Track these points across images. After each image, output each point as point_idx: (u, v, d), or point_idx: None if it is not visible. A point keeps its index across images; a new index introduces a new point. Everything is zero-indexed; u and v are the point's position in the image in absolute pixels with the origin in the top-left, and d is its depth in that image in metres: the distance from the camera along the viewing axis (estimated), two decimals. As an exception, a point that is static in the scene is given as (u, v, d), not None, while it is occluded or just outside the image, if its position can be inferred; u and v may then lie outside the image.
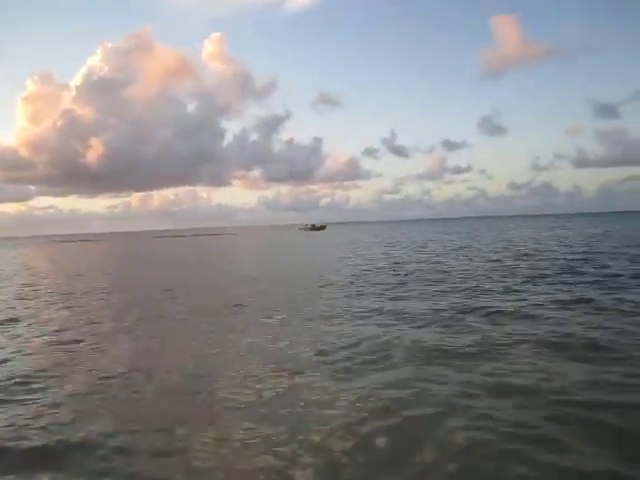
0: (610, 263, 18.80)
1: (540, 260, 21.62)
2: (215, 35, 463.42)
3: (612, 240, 33.51)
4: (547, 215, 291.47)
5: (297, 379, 6.66)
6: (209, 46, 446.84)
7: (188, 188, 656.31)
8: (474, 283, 15.42)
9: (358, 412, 5.39)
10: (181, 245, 69.46)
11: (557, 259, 21.54)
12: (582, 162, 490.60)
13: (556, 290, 13.30)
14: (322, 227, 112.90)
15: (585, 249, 26.53)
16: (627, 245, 28.17)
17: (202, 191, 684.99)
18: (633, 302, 11.01)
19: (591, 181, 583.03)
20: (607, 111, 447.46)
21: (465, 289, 14.24)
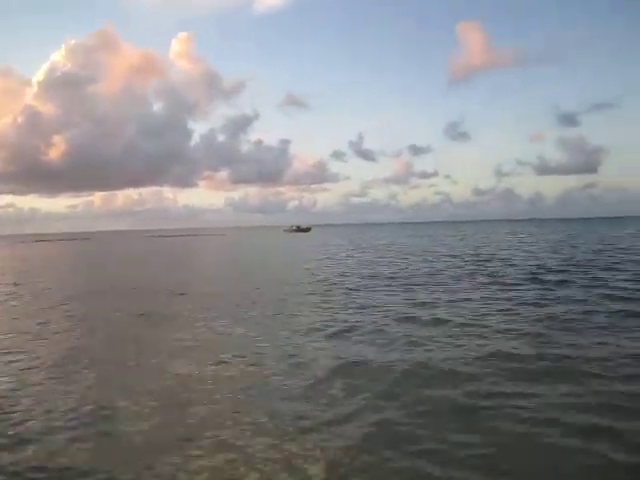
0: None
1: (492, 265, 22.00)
2: (183, 34, 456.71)
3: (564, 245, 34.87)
4: (510, 220, 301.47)
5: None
6: (176, 45, 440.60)
7: (153, 188, 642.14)
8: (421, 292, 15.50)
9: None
10: (161, 245, 67.86)
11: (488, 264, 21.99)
12: (544, 169, 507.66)
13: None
14: (307, 229, 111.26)
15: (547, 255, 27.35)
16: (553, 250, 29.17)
17: (168, 192, 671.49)
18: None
19: (552, 188, 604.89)
20: (568, 120, 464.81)
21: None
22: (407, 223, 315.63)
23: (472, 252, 30.48)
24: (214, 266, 28.88)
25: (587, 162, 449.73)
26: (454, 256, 27.70)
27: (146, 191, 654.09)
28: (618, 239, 40.53)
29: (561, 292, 13.29)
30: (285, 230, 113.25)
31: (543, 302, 11.92)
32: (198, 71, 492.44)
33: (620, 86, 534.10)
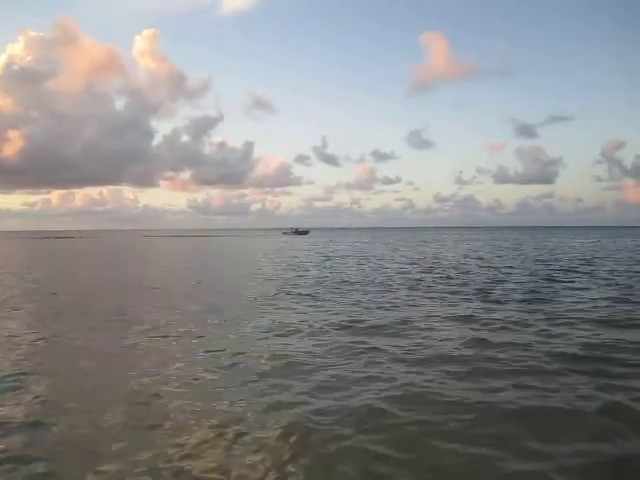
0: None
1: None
2: (147, 32, 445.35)
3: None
4: (470, 227, 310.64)
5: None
6: (140, 42, 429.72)
7: (113, 187, 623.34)
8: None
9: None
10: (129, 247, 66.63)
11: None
12: (503, 178, 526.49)
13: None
14: (305, 232, 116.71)
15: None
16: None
17: (128, 191, 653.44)
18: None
19: (511, 196, 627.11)
20: (526, 131, 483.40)
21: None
22: (370, 228, 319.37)
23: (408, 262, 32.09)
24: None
25: (544, 173, 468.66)
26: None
27: (106, 190, 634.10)
28: (566, 248, 43.13)
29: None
30: (284, 233, 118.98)
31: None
32: (162, 70, 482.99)
33: (576, 101, 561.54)
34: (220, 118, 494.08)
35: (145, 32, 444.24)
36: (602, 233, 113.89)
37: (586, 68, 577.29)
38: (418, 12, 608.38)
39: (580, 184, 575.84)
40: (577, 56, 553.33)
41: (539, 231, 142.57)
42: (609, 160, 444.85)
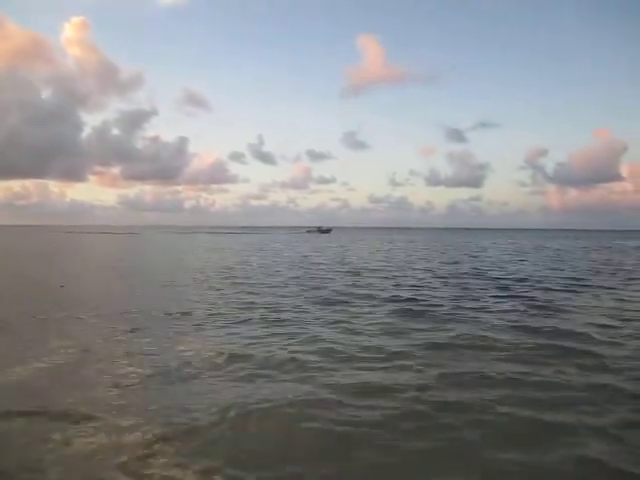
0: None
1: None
2: (77, 19, 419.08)
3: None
4: (402, 228, 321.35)
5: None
6: (69, 30, 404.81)
7: (38, 181, 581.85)
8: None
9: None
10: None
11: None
12: (434, 180, 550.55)
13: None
14: (328, 230, 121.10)
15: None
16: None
17: (54, 185, 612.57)
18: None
19: (441, 199, 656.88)
20: (456, 136, 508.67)
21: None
22: (304, 227, 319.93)
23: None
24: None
25: (473, 176, 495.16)
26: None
27: (30, 183, 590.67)
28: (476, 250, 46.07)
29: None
30: (308, 231, 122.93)
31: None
32: (92, 60, 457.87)
33: (502, 109, 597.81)
34: (154, 112, 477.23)
35: (74, 19, 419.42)
36: (526, 235, 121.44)
37: (513, 78, 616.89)
38: (352, 14, 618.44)
39: (506, 188, 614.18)
40: (505, 65, 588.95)
41: (461, 233, 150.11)
42: (532, 166, 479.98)
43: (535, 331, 10.31)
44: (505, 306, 13.60)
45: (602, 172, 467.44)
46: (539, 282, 19.32)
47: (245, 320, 11.50)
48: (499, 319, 11.58)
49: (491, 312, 12.58)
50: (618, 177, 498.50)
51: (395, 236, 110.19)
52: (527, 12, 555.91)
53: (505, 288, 17.39)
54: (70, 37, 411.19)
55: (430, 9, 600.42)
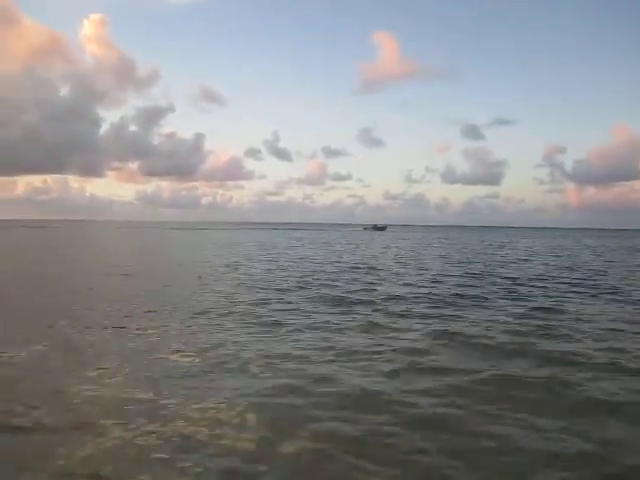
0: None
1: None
2: (95, 16, 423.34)
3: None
4: (419, 226, 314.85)
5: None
6: (88, 27, 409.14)
7: (58, 176, 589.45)
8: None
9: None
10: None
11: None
12: (450, 178, 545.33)
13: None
14: (383, 227, 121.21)
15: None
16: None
17: (74, 181, 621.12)
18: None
19: (458, 196, 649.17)
20: (472, 132, 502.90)
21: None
22: (322, 224, 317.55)
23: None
24: None
25: (490, 173, 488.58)
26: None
27: (50, 179, 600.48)
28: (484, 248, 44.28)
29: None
30: (365, 228, 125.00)
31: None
32: (111, 57, 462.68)
33: (520, 106, 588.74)
34: (170, 109, 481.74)
35: (92, 16, 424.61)
36: (543, 234, 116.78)
37: (529, 74, 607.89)
38: (368, 10, 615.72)
39: (523, 186, 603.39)
40: (521, 61, 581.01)
41: (477, 231, 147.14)
42: (550, 164, 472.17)
43: None
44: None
45: (622, 170, 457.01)
46: None
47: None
48: None
49: None
50: (638, 175, 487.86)
51: (434, 235, 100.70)
52: (542, 10, 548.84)
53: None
54: (88, 34, 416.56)
55: (446, 6, 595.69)
